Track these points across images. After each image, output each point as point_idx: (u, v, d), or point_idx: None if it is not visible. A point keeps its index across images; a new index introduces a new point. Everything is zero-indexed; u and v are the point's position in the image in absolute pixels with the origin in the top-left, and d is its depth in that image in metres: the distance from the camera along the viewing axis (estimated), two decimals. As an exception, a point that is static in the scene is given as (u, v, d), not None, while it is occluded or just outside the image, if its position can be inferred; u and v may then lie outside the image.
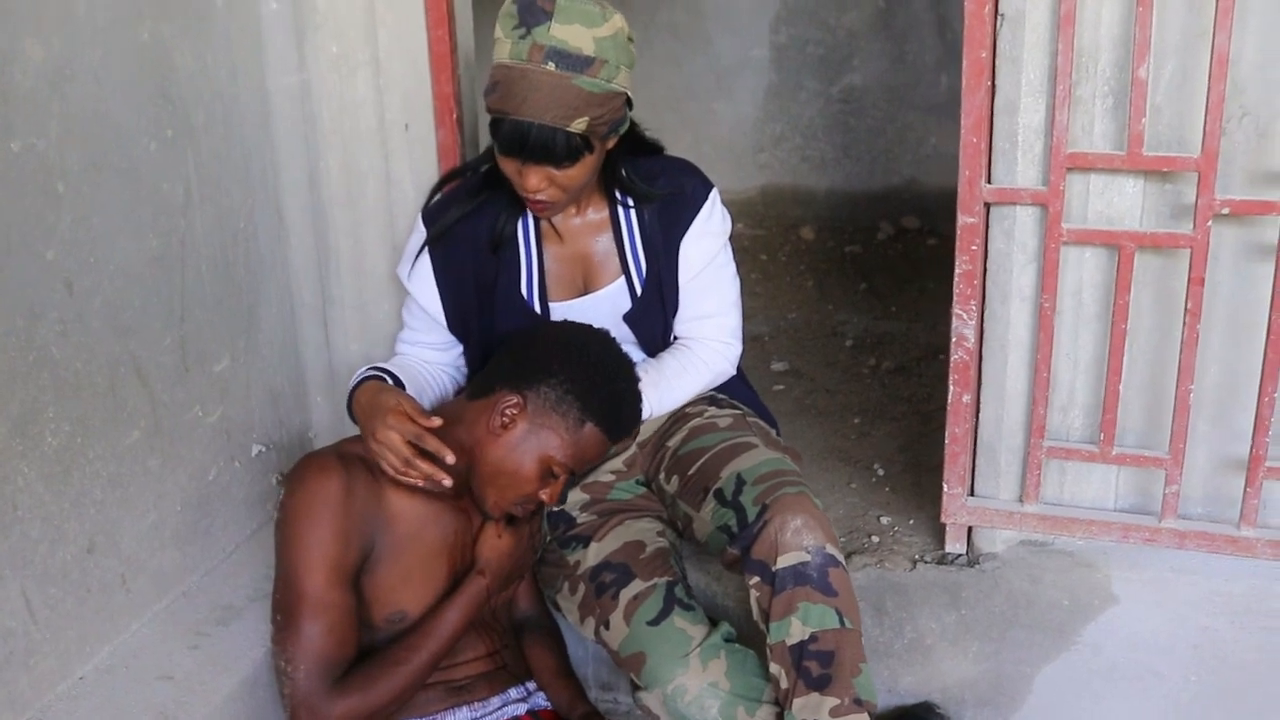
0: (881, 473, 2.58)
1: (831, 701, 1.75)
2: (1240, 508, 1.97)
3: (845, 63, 4.77)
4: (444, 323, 2.07)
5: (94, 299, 1.79)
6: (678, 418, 2.13)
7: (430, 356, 2.12)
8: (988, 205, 1.98)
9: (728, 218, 2.09)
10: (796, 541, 1.78)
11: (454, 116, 2.20)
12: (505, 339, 1.94)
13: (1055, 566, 2.11)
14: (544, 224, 2.02)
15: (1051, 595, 2.09)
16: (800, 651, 1.76)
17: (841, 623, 1.78)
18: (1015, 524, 2.10)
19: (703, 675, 1.84)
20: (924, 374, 3.18)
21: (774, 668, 1.81)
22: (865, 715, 1.77)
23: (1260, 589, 2.01)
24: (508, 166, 1.85)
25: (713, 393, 2.19)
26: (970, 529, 2.17)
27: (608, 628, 1.93)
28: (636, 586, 1.92)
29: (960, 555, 2.18)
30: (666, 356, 2.09)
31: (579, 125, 1.77)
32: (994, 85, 1.92)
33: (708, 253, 2.05)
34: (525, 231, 2.02)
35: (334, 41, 2.15)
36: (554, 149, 1.79)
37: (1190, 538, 2.00)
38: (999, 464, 2.10)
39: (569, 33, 1.74)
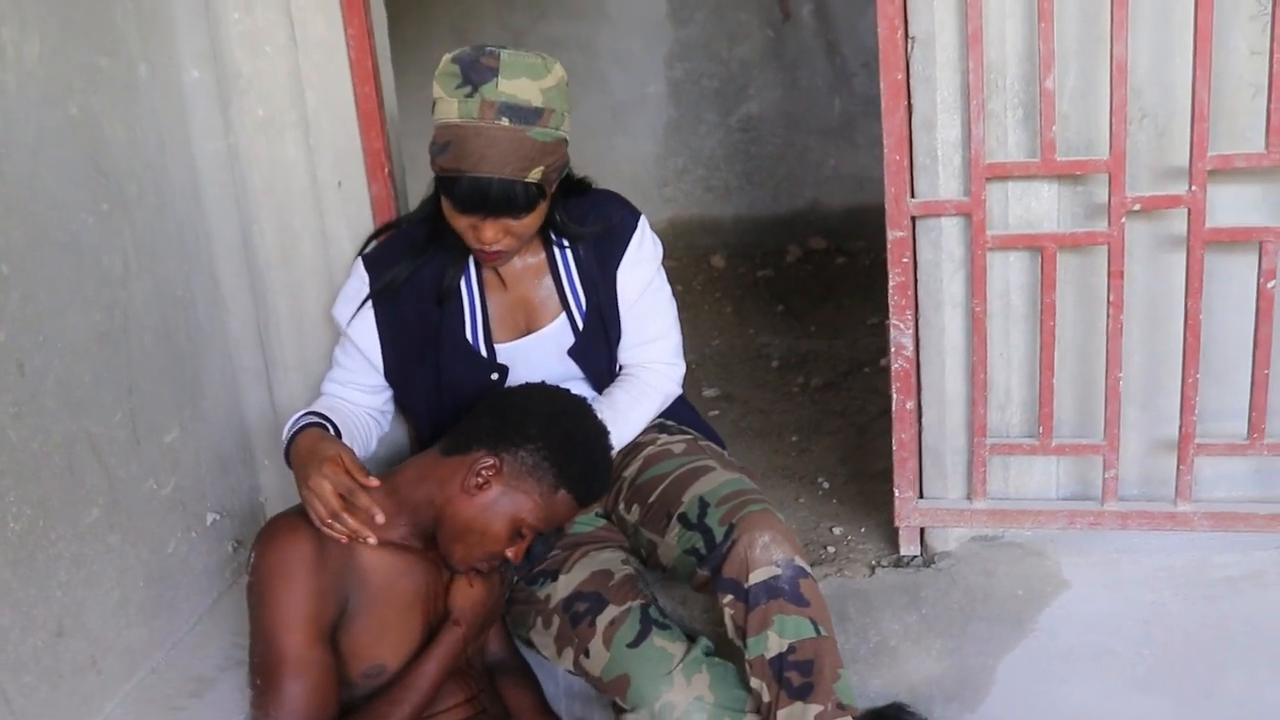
0: (827, 485, 2.65)
1: (815, 708, 1.79)
2: (1175, 484, 2.08)
3: (741, 93, 4.90)
4: (381, 370, 2.08)
5: (46, 378, 1.77)
6: (630, 448, 2.16)
7: (358, 399, 2.12)
8: (914, 219, 2.06)
9: (658, 242, 2.15)
10: (766, 557, 1.83)
11: (385, 171, 2.22)
12: (485, 397, 1.95)
13: (1007, 558, 2.19)
14: (487, 272, 2.06)
15: (1006, 586, 2.18)
16: (780, 663, 1.81)
17: (817, 631, 1.83)
18: (966, 521, 2.18)
19: (688, 690, 1.86)
20: (852, 388, 3.27)
21: (755, 682, 1.84)
22: (849, 719, 1.82)
23: (1200, 560, 2.11)
24: (461, 222, 1.88)
25: (661, 420, 2.23)
26: (923, 530, 2.25)
27: (588, 656, 1.95)
28: (612, 612, 1.95)
29: (916, 557, 2.25)
30: (616, 390, 2.14)
31: (535, 175, 1.82)
32: (910, 105, 2.01)
33: (643, 279, 2.10)
34: (468, 280, 2.05)
35: (260, 105, 2.16)
36: (515, 201, 1.83)
37: (1132, 518, 2.10)
38: (945, 465, 2.18)
39: (517, 87, 1.78)
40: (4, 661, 1.66)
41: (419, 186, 2.29)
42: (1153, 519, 2.10)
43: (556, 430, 1.84)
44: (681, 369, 2.20)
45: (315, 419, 1.95)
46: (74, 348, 1.84)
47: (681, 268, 4.75)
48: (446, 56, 1.83)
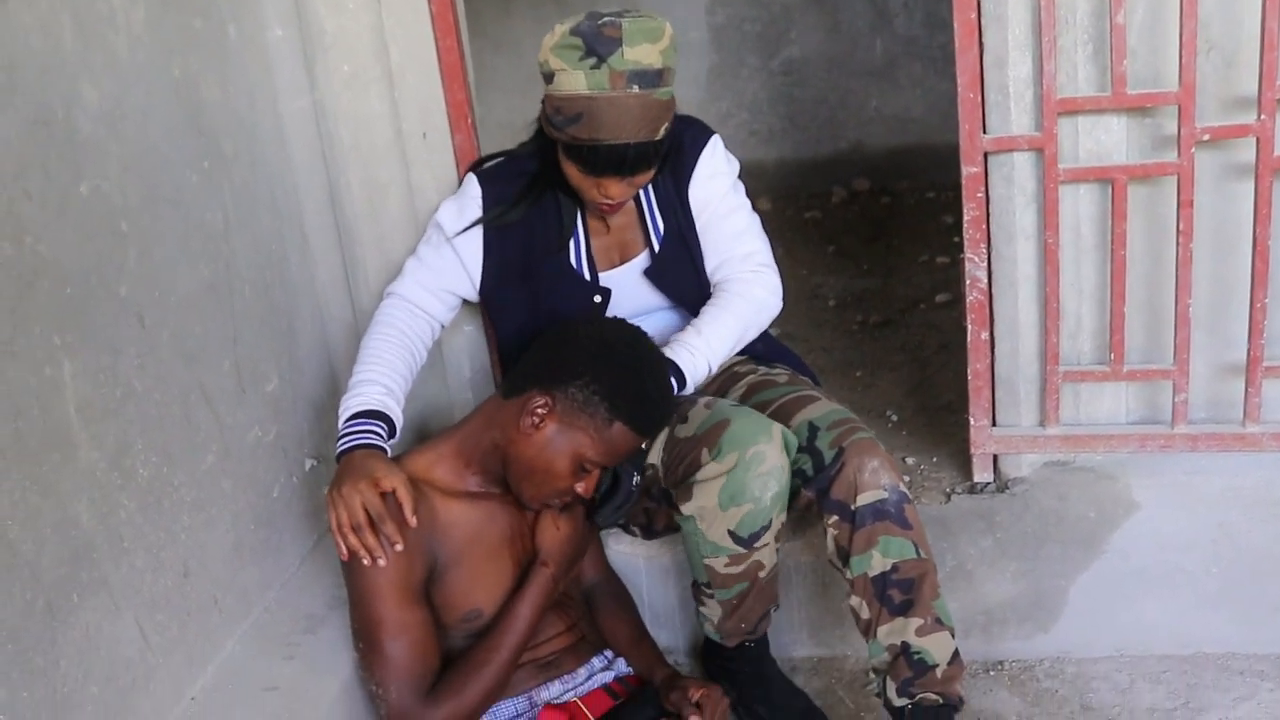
0: (895, 418, 2.72)
1: (916, 622, 1.88)
2: (1243, 406, 2.14)
3: (783, 37, 4.92)
4: (476, 284, 2.13)
5: (163, 331, 1.85)
6: (731, 376, 2.22)
7: (431, 307, 2.14)
8: (986, 154, 2.11)
9: (733, 159, 2.18)
10: (874, 480, 1.90)
11: (469, 121, 2.28)
12: (537, 336, 2.00)
13: (1079, 482, 2.26)
14: (590, 214, 2.12)
15: (1079, 509, 2.25)
16: (883, 582, 1.89)
17: (918, 554, 1.91)
18: (1040, 447, 2.25)
19: (781, 455, 1.89)
20: (910, 324, 3.33)
21: (854, 600, 1.93)
22: (948, 634, 1.90)
23: (1267, 480, 2.18)
24: (586, 181, 1.95)
25: (758, 355, 2.28)
26: (996, 457, 2.31)
27: (685, 421, 1.95)
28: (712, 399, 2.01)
29: (990, 483, 2.32)
30: (706, 306, 2.15)
31: (662, 132, 1.89)
32: (981, 43, 2.05)
33: (717, 192, 2.13)
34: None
35: (345, 61, 2.21)
36: (649, 161, 1.91)
37: (1202, 440, 2.17)
38: (1018, 393, 2.24)
39: (641, 53, 1.84)
40: (140, 601, 1.76)
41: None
42: (1222, 441, 2.16)
43: (605, 364, 1.87)
44: (774, 278, 2.18)
45: (378, 431, 1.97)
46: (185, 301, 1.92)
47: (727, 212, 4.80)
48: (561, 28, 1.88)
